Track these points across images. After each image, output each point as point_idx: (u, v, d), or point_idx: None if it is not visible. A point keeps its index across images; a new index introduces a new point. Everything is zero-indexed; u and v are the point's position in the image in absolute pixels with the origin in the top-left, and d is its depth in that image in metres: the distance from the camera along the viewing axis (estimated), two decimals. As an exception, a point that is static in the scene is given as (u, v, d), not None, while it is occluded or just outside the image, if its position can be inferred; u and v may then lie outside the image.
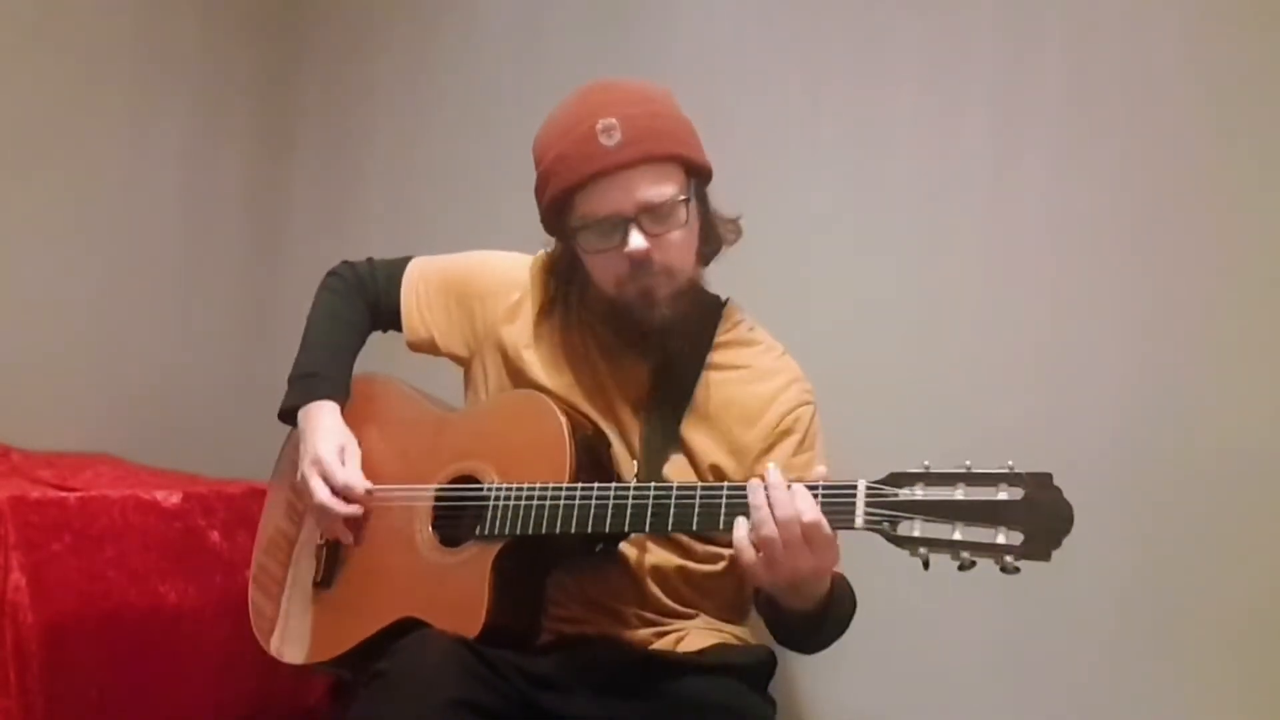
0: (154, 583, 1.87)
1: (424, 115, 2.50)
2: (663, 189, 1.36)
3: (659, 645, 1.44)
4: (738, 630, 1.51)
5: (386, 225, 2.54)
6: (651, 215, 1.36)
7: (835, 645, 1.38)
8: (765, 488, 1.19)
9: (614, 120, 1.35)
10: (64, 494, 1.83)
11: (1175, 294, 1.56)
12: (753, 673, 1.47)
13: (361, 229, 2.58)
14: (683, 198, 1.37)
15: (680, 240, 1.39)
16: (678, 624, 1.46)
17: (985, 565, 1.09)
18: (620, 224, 1.36)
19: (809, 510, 1.17)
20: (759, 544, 1.19)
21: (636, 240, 1.35)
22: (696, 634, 1.46)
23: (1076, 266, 1.65)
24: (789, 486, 1.18)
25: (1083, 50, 1.65)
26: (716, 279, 1.56)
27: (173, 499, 1.93)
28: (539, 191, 1.44)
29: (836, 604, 1.33)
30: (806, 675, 1.81)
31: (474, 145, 2.39)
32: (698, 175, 1.42)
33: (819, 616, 1.30)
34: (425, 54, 2.51)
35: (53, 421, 2.35)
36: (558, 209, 1.42)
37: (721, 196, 1.51)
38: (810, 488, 1.19)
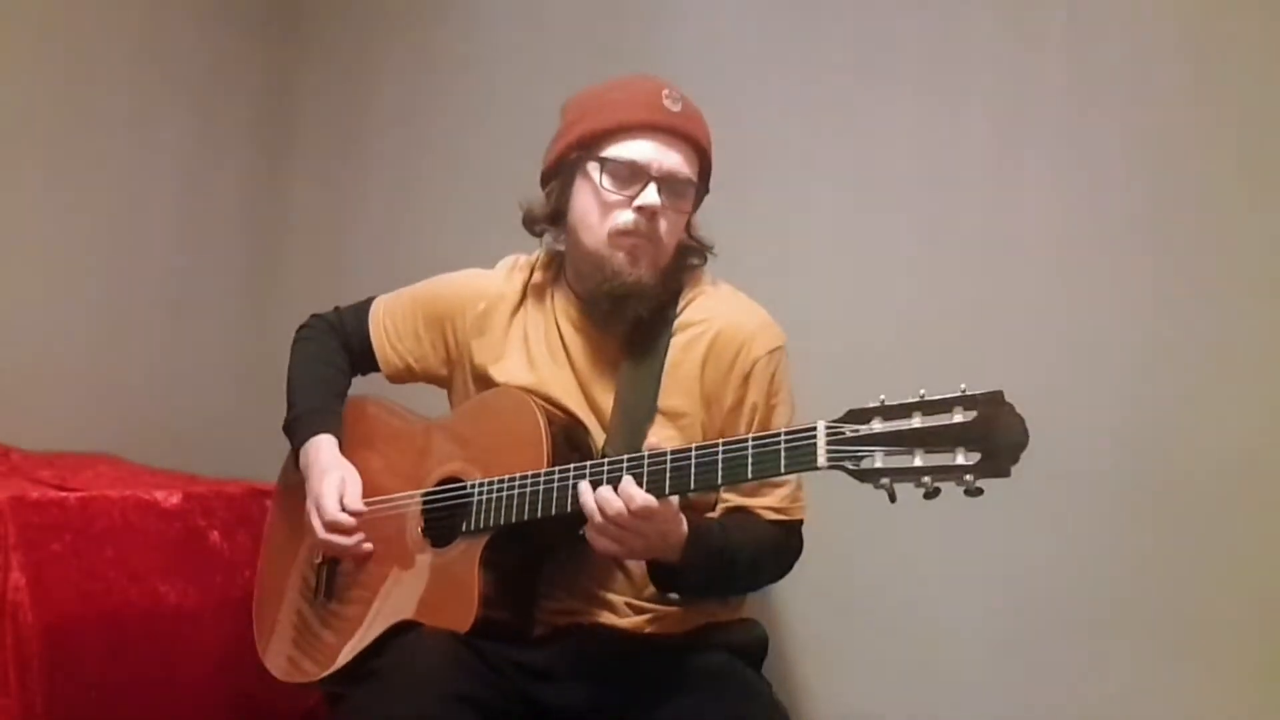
0: (154, 583, 1.87)
1: (424, 121, 2.50)
2: (688, 169, 1.46)
3: (651, 630, 1.45)
4: (728, 612, 1.52)
5: (385, 230, 2.54)
6: (670, 186, 1.44)
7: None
8: (594, 493, 1.27)
9: (680, 95, 1.47)
10: (64, 494, 1.82)
11: (1175, 293, 1.56)
12: (746, 649, 1.48)
13: (361, 233, 2.58)
14: (695, 183, 1.47)
15: (675, 223, 1.47)
16: (668, 610, 1.46)
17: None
18: (644, 177, 1.42)
19: (637, 497, 1.24)
20: (601, 531, 1.28)
21: (652, 195, 1.42)
22: (688, 616, 1.47)
23: (1076, 266, 1.65)
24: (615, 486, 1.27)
25: (1083, 50, 1.65)
26: (715, 276, 1.56)
27: (173, 499, 1.93)
28: (567, 128, 1.48)
29: (708, 549, 1.35)
30: (806, 673, 1.81)
31: (473, 152, 2.39)
32: (704, 182, 1.52)
33: (690, 563, 1.34)
34: (425, 60, 2.51)
35: (53, 421, 2.35)
36: (587, 143, 1.45)
37: (721, 196, 1.52)
38: (633, 466, 1.26)
